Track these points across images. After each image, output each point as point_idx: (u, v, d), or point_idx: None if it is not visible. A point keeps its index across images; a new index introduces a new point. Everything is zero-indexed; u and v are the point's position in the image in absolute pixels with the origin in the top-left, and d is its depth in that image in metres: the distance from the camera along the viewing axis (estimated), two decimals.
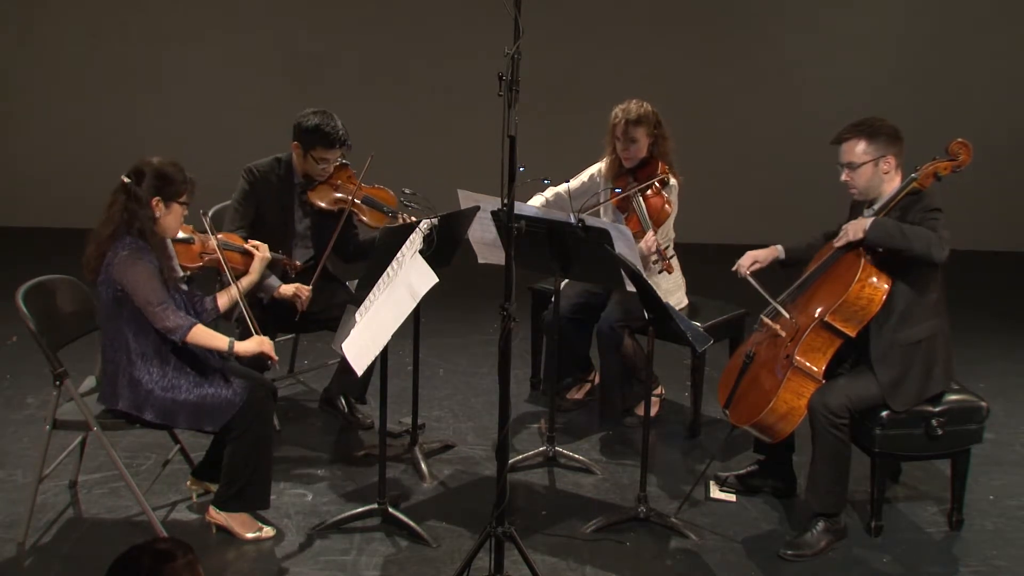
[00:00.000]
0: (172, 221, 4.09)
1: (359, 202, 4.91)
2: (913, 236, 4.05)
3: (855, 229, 4.17)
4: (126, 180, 4.01)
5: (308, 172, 4.89)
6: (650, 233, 4.85)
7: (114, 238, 3.98)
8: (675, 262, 5.17)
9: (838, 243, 4.23)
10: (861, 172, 4.23)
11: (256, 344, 4.12)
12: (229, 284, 4.29)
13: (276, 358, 4.18)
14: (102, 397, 4.11)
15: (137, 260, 3.94)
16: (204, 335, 4.01)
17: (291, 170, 4.94)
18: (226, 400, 4.03)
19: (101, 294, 4.02)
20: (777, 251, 4.59)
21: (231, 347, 4.05)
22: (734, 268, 4.56)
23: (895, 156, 4.23)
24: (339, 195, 4.91)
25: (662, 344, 4.64)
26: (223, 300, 4.26)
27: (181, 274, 4.21)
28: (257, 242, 4.48)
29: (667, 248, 4.93)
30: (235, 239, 4.55)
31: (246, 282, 4.38)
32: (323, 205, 4.91)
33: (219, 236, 4.42)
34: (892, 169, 4.24)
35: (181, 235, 4.27)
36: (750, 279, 4.46)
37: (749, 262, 4.54)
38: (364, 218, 4.94)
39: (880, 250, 4.13)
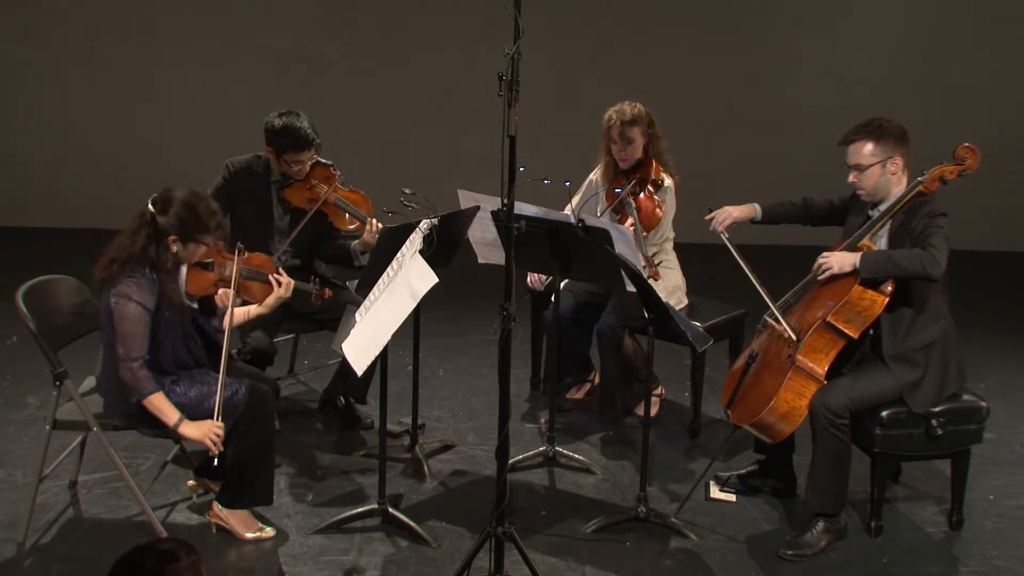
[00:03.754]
0: (190, 256, 4.01)
1: (331, 204, 4.88)
2: (904, 261, 4.06)
3: (840, 263, 4.14)
4: (151, 208, 3.93)
5: (285, 172, 4.90)
6: (630, 220, 4.84)
7: (126, 263, 3.92)
8: (674, 263, 5.18)
9: (821, 277, 4.20)
10: (869, 174, 4.23)
11: (200, 433, 3.90)
12: (239, 305, 4.21)
13: (217, 451, 3.91)
14: (104, 403, 4.11)
15: (135, 305, 3.87)
16: (158, 406, 3.90)
17: (270, 167, 4.94)
18: (226, 408, 4.01)
19: (103, 306, 3.99)
20: (755, 211, 4.63)
21: (177, 425, 3.90)
22: (708, 217, 4.59)
23: (902, 157, 4.23)
24: (313, 194, 4.89)
25: (662, 344, 4.64)
26: (234, 320, 4.15)
27: (186, 302, 4.11)
28: (283, 277, 4.27)
29: (655, 254, 4.94)
30: (260, 266, 4.26)
31: (255, 311, 4.27)
32: (296, 204, 4.90)
33: (241, 263, 4.15)
34: (899, 170, 4.24)
35: (200, 260, 4.10)
36: (724, 237, 4.49)
37: (728, 221, 4.56)
38: (334, 220, 4.90)
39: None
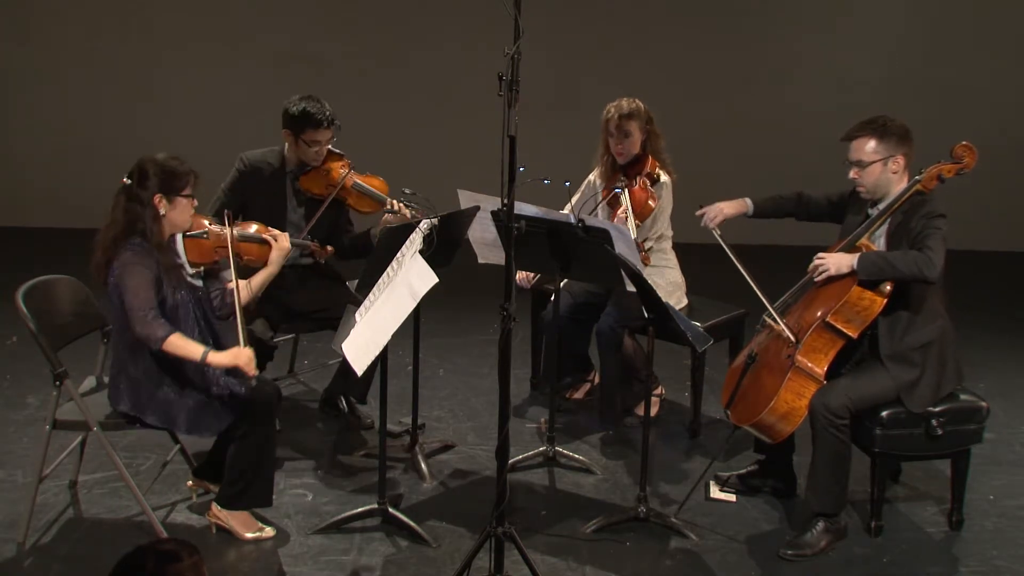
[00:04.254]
0: (179, 216, 4.05)
1: (349, 188, 4.90)
2: (901, 263, 4.07)
3: (837, 265, 4.15)
4: (126, 181, 4.01)
5: (302, 158, 4.91)
6: (623, 207, 4.85)
7: (118, 242, 3.97)
8: (673, 263, 5.18)
9: (818, 278, 4.21)
10: (870, 171, 4.23)
11: (231, 357, 3.91)
12: (248, 277, 4.28)
13: (253, 373, 3.95)
14: (109, 395, 4.10)
15: (135, 266, 3.92)
16: (179, 345, 3.88)
17: (284, 160, 4.95)
18: (225, 405, 4.02)
19: (112, 298, 4.00)
20: (746, 205, 4.61)
21: (204, 358, 3.89)
22: (699, 213, 4.57)
23: (904, 156, 4.23)
24: (330, 179, 4.90)
25: (662, 344, 4.64)
26: (243, 295, 4.21)
27: (190, 271, 4.15)
28: (276, 232, 4.41)
29: (645, 240, 4.94)
30: (254, 229, 4.42)
31: (264, 275, 4.32)
32: (314, 192, 4.92)
33: (235, 230, 4.28)
34: (901, 169, 4.24)
35: (193, 231, 4.18)
36: (716, 234, 4.46)
37: (720, 218, 4.54)
38: (352, 203, 4.93)
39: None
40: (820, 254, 4.24)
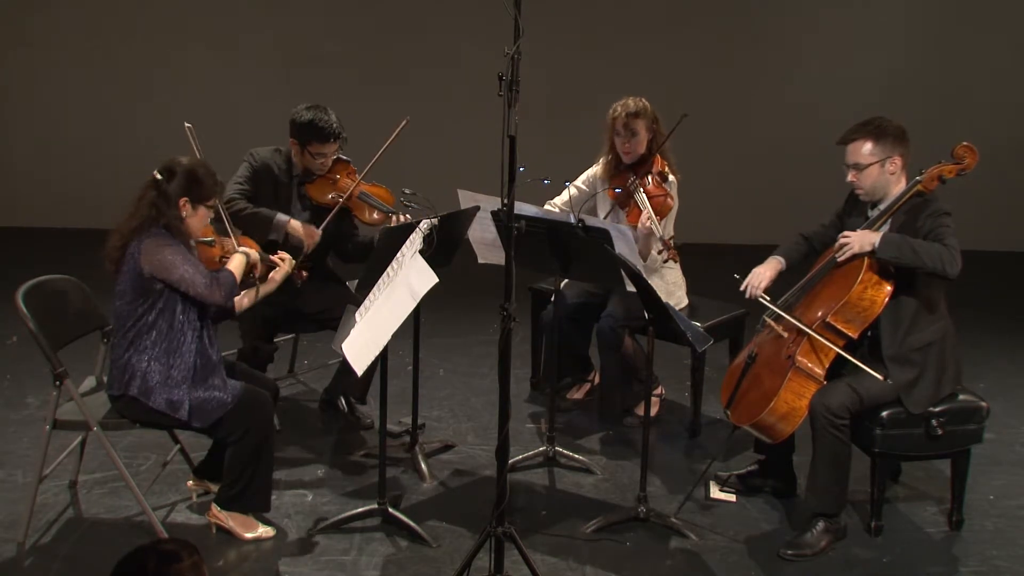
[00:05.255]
0: (197, 223, 4.09)
1: (355, 198, 4.91)
2: (924, 253, 4.02)
3: (860, 242, 4.13)
4: (157, 176, 4.02)
5: (307, 167, 4.91)
6: (646, 212, 4.84)
7: (139, 231, 3.98)
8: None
9: (841, 257, 4.18)
10: (867, 173, 4.23)
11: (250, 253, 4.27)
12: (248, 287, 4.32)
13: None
14: (110, 386, 4.09)
15: (167, 245, 3.96)
16: (237, 273, 4.14)
17: (291, 163, 4.95)
18: (219, 400, 4.03)
19: (123, 285, 4.00)
20: (780, 263, 4.52)
21: (248, 256, 4.21)
22: (741, 288, 4.46)
23: (902, 157, 4.23)
24: (336, 190, 4.91)
25: (662, 344, 4.64)
26: (243, 301, 4.25)
27: None
28: (284, 253, 4.43)
29: (671, 238, 4.94)
30: (254, 245, 4.46)
31: (264, 290, 4.35)
32: (320, 201, 4.92)
33: (238, 243, 4.36)
34: (899, 170, 4.24)
35: (202, 238, 4.21)
36: (763, 299, 4.38)
37: (764, 283, 4.43)
38: (357, 214, 4.94)
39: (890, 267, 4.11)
40: (845, 232, 4.22)
